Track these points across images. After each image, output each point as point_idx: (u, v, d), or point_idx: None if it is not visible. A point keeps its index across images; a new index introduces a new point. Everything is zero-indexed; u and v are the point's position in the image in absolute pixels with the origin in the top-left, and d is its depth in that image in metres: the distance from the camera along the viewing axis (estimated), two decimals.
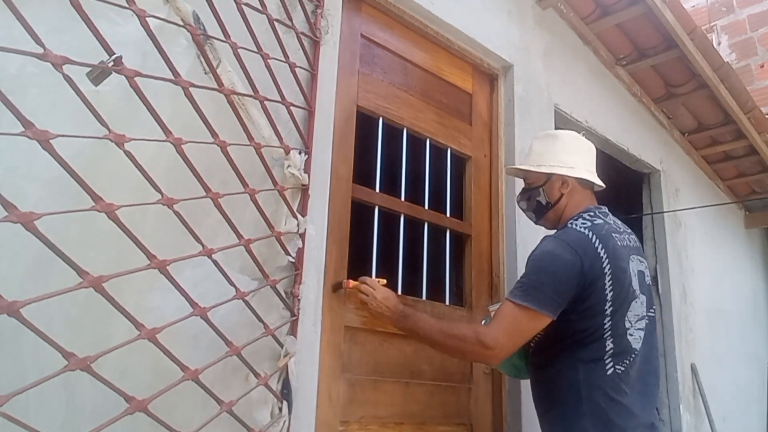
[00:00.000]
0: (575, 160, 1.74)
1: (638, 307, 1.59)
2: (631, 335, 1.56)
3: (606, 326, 1.52)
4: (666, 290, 3.57)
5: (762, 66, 5.13)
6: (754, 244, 5.30)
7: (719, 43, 5.35)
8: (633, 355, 1.55)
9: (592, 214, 1.66)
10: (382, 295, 1.65)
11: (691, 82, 3.40)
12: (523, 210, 1.87)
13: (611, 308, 1.52)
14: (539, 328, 1.51)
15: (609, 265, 1.53)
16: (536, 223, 1.86)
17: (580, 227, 1.60)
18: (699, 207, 4.00)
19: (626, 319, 1.55)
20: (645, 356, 1.59)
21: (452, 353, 1.65)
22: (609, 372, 1.51)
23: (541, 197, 1.75)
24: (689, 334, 3.64)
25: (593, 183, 1.76)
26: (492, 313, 1.70)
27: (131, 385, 0.87)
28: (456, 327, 1.59)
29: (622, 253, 1.59)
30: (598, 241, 1.55)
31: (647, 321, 1.62)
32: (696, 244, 4.02)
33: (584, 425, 1.49)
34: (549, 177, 1.73)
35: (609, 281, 1.52)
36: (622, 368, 1.52)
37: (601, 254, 1.53)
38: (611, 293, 1.52)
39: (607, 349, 1.52)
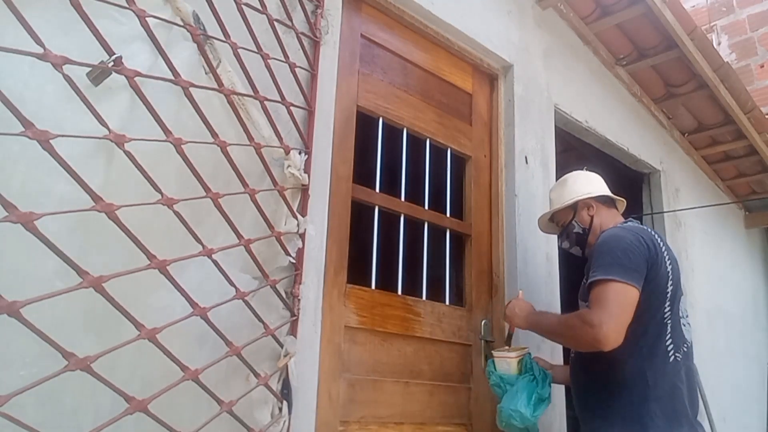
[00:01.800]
0: (588, 188, 1.92)
1: (684, 302, 1.70)
2: (684, 325, 1.66)
3: (666, 310, 1.60)
4: None
5: (762, 66, 5.13)
6: (754, 244, 5.29)
7: (719, 43, 5.35)
8: (686, 346, 1.64)
9: (633, 222, 1.80)
10: (514, 302, 1.88)
11: (691, 82, 3.40)
12: (568, 249, 1.99)
13: (671, 288, 1.60)
14: (632, 301, 1.53)
15: (664, 247, 1.66)
16: (584, 253, 1.93)
17: (629, 224, 1.77)
18: (699, 207, 3.99)
19: (680, 308, 1.65)
20: (691, 354, 1.68)
21: (570, 342, 1.72)
22: (671, 359, 1.59)
23: (577, 228, 1.91)
24: None
25: (615, 199, 1.92)
26: (497, 358, 1.83)
27: (138, 387, 0.88)
28: (569, 316, 1.66)
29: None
30: (650, 230, 1.71)
31: (688, 327, 1.70)
32: (696, 244, 4.02)
33: (652, 408, 1.54)
34: (574, 208, 1.91)
35: (667, 259, 1.64)
36: (681, 356, 1.61)
37: (655, 237, 1.67)
38: (670, 267, 1.62)
39: (667, 334, 1.60)
